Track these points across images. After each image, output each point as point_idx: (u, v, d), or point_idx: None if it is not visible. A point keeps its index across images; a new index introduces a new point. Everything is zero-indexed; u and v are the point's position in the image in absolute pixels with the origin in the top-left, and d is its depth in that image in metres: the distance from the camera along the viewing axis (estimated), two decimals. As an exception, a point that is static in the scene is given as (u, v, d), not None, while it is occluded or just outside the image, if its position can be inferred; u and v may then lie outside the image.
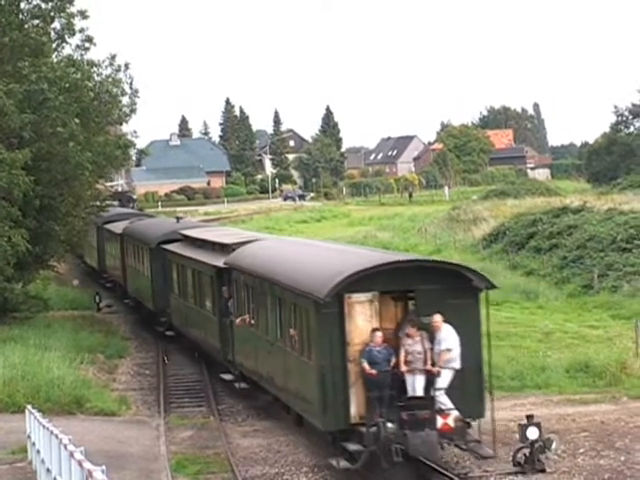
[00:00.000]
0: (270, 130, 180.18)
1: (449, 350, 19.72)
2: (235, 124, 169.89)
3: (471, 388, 20.05)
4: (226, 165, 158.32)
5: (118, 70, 40.47)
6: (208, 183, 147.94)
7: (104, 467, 11.28)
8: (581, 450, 20.72)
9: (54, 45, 40.41)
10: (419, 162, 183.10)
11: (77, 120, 37.13)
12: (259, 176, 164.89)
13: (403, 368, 19.67)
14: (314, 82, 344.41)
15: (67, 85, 37.38)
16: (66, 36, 40.25)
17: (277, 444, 22.41)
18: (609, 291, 40.61)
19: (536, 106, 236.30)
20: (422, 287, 20.07)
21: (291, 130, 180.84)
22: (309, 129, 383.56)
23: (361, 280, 19.83)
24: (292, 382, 22.08)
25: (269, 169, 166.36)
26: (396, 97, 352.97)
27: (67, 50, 41.01)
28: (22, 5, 39.77)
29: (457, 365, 19.84)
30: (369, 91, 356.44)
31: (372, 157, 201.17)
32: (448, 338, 19.76)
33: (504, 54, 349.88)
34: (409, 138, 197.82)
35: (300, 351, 21.26)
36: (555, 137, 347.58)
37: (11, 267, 34.86)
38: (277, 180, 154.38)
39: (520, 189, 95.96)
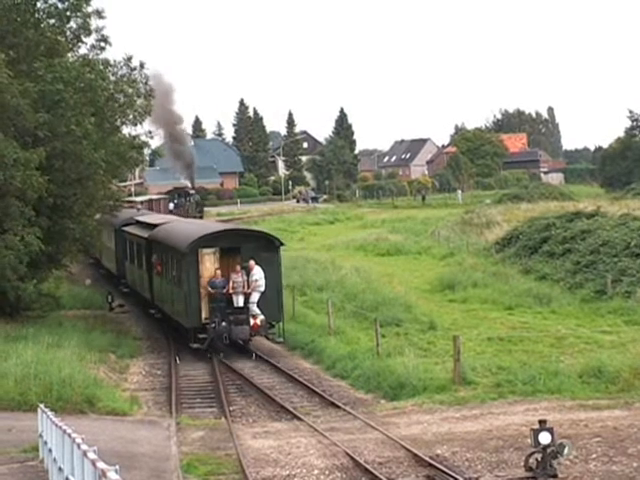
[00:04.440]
0: (284, 131, 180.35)
1: (257, 280, 33.22)
2: (249, 125, 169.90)
3: (271, 303, 33.66)
4: (239, 166, 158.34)
5: (133, 69, 40.51)
6: (221, 184, 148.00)
7: (117, 467, 11.25)
8: (593, 456, 20.61)
9: (69, 45, 40.43)
10: (432, 165, 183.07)
11: (92, 119, 37.18)
12: (272, 177, 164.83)
13: (231, 291, 33.23)
14: (328, 84, 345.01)
15: (82, 85, 37.43)
16: (82, 36, 40.30)
17: (288, 446, 22.36)
18: (622, 297, 40.43)
19: (550, 110, 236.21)
20: (245, 245, 34.11)
21: (305, 132, 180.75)
22: (323, 131, 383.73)
23: (208, 240, 34.23)
24: (174, 303, 35.84)
25: (282, 171, 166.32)
26: (410, 100, 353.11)
27: (82, 50, 41.09)
28: (38, 4, 39.81)
29: (262, 289, 33.32)
30: (383, 94, 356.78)
31: (385, 160, 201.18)
32: (257, 273, 33.33)
33: (519, 58, 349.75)
34: (423, 141, 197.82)
35: (177, 284, 35.14)
36: (569, 141, 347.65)
37: (24, 266, 34.92)
38: (290, 182, 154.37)
39: (533, 193, 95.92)
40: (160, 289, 39.13)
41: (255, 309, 33.32)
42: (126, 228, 48.48)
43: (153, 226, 42.73)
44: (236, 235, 35.55)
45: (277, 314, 34.10)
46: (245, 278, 33.39)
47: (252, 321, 33.11)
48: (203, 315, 33.38)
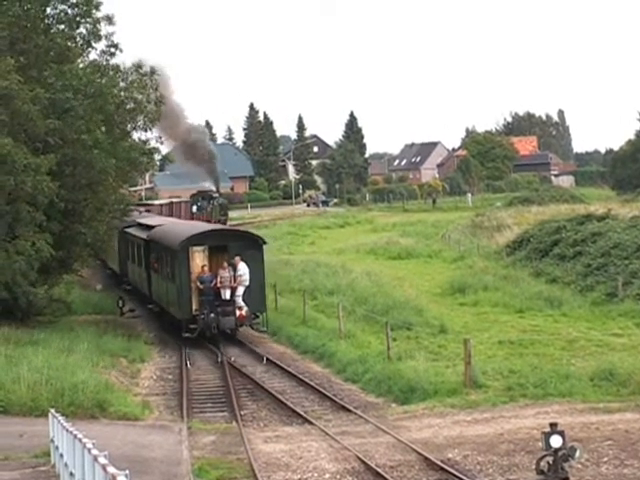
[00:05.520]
0: (294, 136, 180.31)
1: (242, 275, 36.24)
2: (259, 129, 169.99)
3: (255, 296, 36.56)
4: (250, 170, 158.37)
5: (144, 75, 40.48)
6: (232, 188, 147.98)
7: (127, 472, 11.27)
8: (605, 459, 20.58)
9: (80, 50, 40.44)
10: (443, 168, 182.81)
11: (101, 127, 37.22)
12: (282, 182, 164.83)
13: (219, 285, 36.19)
14: (338, 88, 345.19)
15: (92, 91, 37.46)
16: (91, 41, 40.31)
17: (299, 450, 22.36)
18: (634, 299, 40.32)
19: (561, 113, 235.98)
20: (231, 243, 37.16)
21: (315, 136, 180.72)
22: (333, 135, 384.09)
23: (197, 239, 37.34)
24: (168, 296, 39.02)
25: (292, 175, 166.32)
26: (420, 103, 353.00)
27: (92, 55, 41.10)
28: (48, 10, 39.84)
29: (247, 283, 36.30)
30: (393, 97, 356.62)
31: (396, 163, 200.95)
32: (242, 269, 36.31)
33: (529, 60, 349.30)
34: (433, 144, 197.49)
35: (171, 279, 38.10)
36: (580, 144, 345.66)
37: (35, 271, 34.97)
38: (300, 186, 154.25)
39: (544, 196, 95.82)
40: (157, 285, 42.18)
41: (241, 302, 36.37)
42: (128, 230, 50.82)
43: (151, 227, 46.06)
44: (223, 234, 39.40)
45: (261, 306, 37.25)
46: (232, 273, 36.40)
47: (238, 312, 36.25)
48: (194, 307, 36.49)
